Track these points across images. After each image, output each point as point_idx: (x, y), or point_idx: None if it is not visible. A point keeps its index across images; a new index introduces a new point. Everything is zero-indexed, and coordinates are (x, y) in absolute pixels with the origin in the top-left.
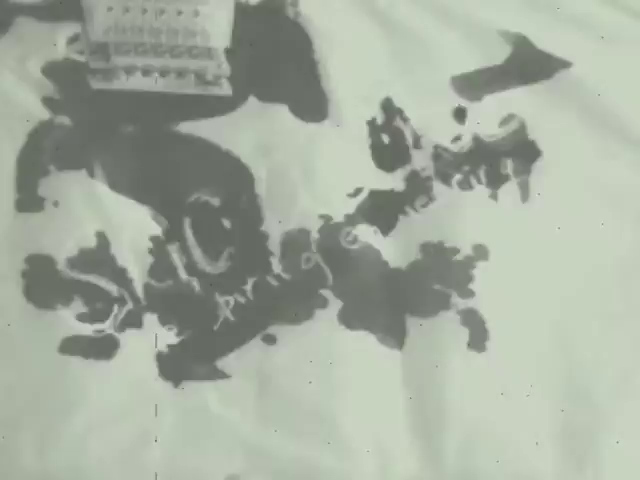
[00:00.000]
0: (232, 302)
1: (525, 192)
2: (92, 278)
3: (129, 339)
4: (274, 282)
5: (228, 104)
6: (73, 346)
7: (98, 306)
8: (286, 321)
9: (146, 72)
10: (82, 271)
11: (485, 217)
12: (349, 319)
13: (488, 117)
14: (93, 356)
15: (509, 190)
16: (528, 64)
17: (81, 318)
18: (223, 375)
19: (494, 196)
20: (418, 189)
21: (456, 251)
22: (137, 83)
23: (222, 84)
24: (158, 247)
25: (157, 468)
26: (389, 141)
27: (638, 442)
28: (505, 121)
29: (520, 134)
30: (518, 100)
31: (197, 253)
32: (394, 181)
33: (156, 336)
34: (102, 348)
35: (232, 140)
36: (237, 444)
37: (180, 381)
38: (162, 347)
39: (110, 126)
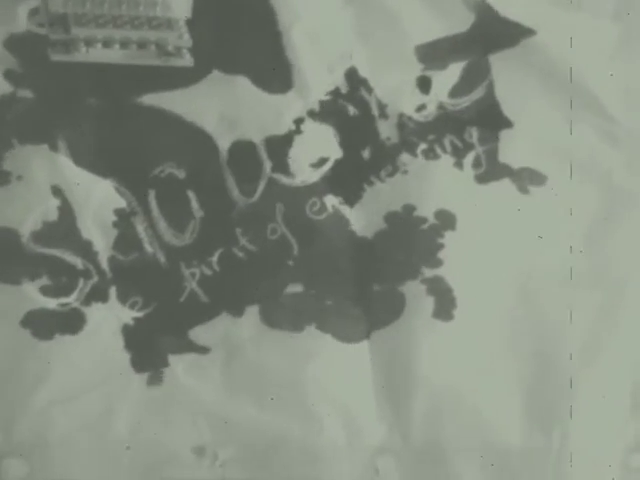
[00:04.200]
0: (198, 274)
1: (492, 160)
2: (57, 252)
3: (95, 312)
4: (240, 254)
5: (191, 76)
6: (37, 320)
7: (63, 280)
8: (255, 300)
9: (106, 43)
10: (46, 245)
11: (451, 186)
12: (316, 289)
13: (453, 85)
14: (58, 330)
15: (474, 158)
16: (492, 32)
17: (45, 292)
18: (190, 347)
19: (459, 165)
20: (383, 159)
21: (423, 220)
22: (98, 55)
23: (184, 55)
24: (123, 220)
25: (123, 440)
26: (354, 111)
27: (603, 407)
28: (470, 89)
29: (485, 102)
30: (483, 68)
31: (162, 225)
32: (359, 151)
33: (122, 309)
34: (67, 322)
35: (196, 112)
36: (203, 415)
37: (146, 353)
38: (128, 320)
39: (72, 99)
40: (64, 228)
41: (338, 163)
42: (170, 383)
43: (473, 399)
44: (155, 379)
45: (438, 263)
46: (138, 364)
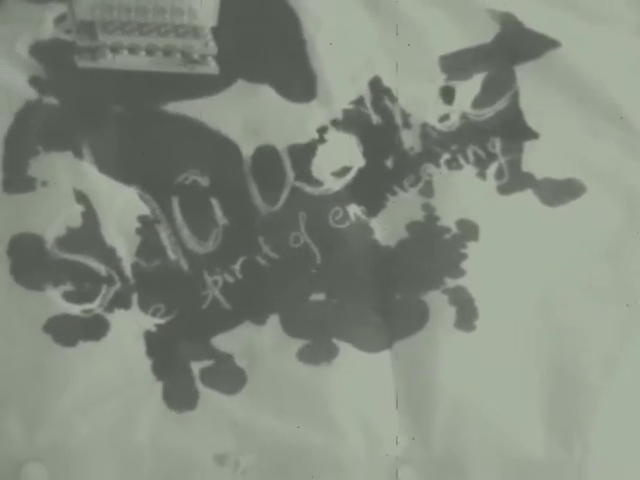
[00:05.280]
0: (221, 282)
1: (515, 171)
2: (80, 258)
3: (117, 319)
4: (263, 262)
5: (216, 84)
6: (60, 325)
7: (86, 286)
8: (277, 308)
9: (133, 50)
10: (70, 251)
11: (473, 196)
12: (338, 298)
13: (476, 96)
14: (81, 336)
15: (497, 169)
16: (517, 43)
17: (68, 298)
18: (212, 354)
19: (482, 175)
20: (407, 168)
21: (445, 230)
22: (124, 62)
23: (209, 63)
24: (146, 227)
25: (144, 447)
26: (378, 121)
27: (624, 419)
28: (493, 100)
29: (509, 113)
30: (507, 79)
31: (186, 233)
32: (382, 160)
33: (144, 316)
34: (90, 328)
35: (220, 120)
36: (225, 423)
37: (168, 360)
38: (150, 326)
39: (98, 106)
40: (88, 234)
41: (361, 172)
42: (192, 390)
43: (494, 410)
44: (176, 386)
45: (460, 273)
46: (160, 371)
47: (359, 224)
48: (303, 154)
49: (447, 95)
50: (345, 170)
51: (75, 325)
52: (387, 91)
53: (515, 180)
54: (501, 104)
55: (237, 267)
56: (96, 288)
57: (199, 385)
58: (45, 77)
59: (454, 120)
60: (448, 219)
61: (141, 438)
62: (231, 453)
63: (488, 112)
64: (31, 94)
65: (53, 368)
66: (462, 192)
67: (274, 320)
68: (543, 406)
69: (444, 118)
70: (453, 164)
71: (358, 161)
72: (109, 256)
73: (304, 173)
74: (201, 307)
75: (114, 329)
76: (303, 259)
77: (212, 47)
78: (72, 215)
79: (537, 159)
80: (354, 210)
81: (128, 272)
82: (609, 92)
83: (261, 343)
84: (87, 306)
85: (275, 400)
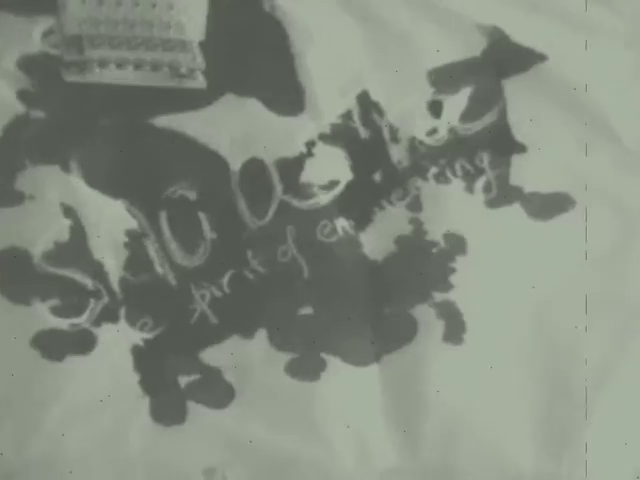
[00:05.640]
0: (208, 296)
1: (503, 184)
2: (68, 272)
3: (105, 333)
4: (250, 276)
5: (204, 98)
6: (47, 340)
7: (74, 300)
8: (265, 322)
9: (120, 65)
10: (58, 265)
11: (461, 210)
12: (326, 312)
13: (464, 110)
14: (69, 350)
15: (485, 183)
16: (504, 57)
17: (56, 312)
18: (200, 368)
19: (470, 189)
20: (394, 182)
21: (433, 244)
22: (111, 76)
23: (197, 77)
24: (134, 241)
25: (135, 461)
26: (366, 135)
27: (615, 435)
28: (481, 114)
29: (497, 127)
30: (495, 93)
31: (173, 247)
32: (370, 174)
33: (132, 330)
34: (78, 342)
35: (208, 134)
36: (214, 437)
37: (156, 375)
38: (138, 341)
39: (85, 120)
40: (75, 248)
41: (349, 186)
42: (181, 404)
43: (483, 423)
44: (165, 399)
45: (449, 287)
46: (147, 386)
47: (347, 238)
48: (291, 168)
49: (435, 109)
50: (333, 184)
51: (63, 340)
52: (375, 105)
53: (503, 194)
54: (489, 118)
55: (225, 281)
56: (84, 302)
57: (187, 399)
58: (33, 91)
59: (442, 134)
60: (436, 233)
61: (130, 453)
62: (220, 467)
63: (476, 126)
64: (19, 108)
65: (41, 383)
66: (450, 206)
67: (262, 334)
68: (533, 418)
69: (432, 132)
70: (441, 178)
71: (346, 175)
72: (97, 270)
73: (292, 187)
74: (189, 321)
75: (102, 344)
76: (291, 273)
77: (200, 62)
78: (59, 229)
79: (525, 173)
80: (342, 224)
81: (116, 286)
82: (598, 105)
83: (249, 357)
84: (75, 320)
85: (263, 414)
